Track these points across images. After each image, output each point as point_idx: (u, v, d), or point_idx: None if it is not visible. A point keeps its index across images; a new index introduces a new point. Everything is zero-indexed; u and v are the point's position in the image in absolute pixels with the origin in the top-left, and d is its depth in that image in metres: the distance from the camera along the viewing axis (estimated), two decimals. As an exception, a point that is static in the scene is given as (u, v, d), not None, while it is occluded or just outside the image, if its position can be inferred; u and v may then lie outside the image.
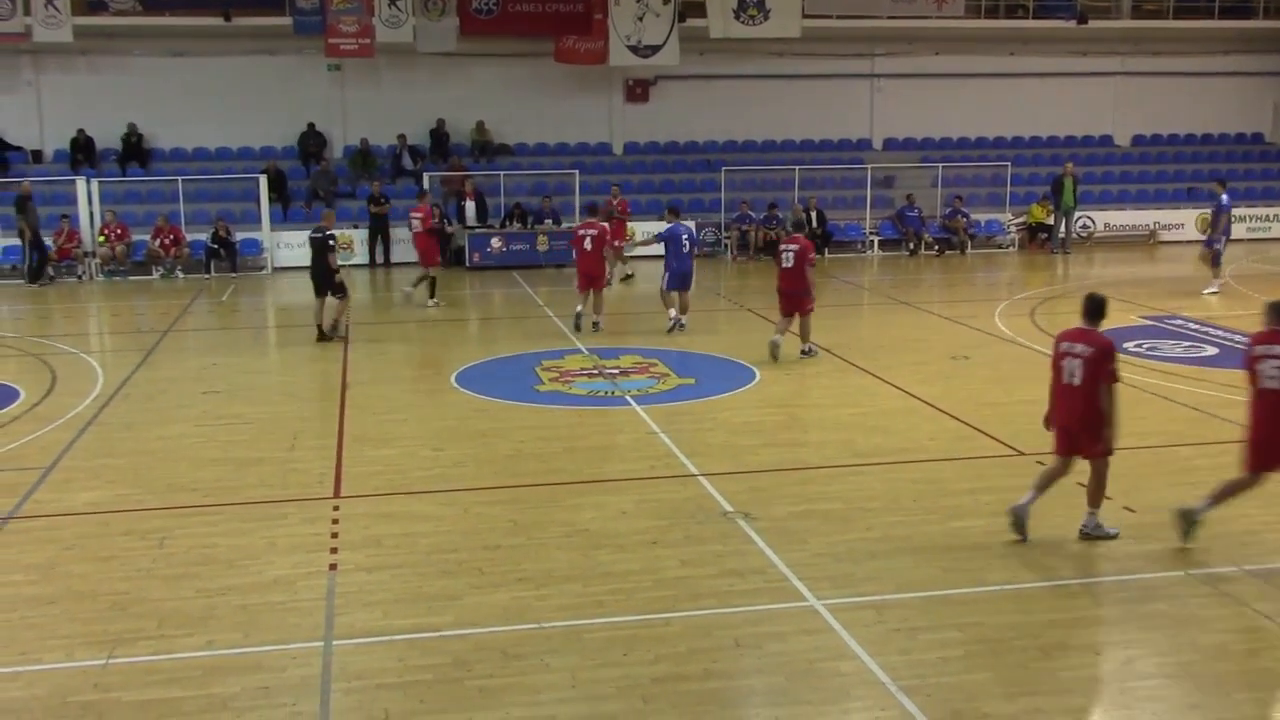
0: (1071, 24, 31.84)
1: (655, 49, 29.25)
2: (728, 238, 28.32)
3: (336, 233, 18.97)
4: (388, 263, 27.13)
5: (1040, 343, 17.54)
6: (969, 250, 28.91)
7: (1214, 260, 22.46)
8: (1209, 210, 23.76)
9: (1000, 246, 29.45)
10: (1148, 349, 16.97)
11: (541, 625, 7.99)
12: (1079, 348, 9.41)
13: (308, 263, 18.82)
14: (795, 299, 16.43)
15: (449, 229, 25.95)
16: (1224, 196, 22.78)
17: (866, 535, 9.63)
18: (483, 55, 29.60)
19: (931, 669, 7.37)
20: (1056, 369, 9.57)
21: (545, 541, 9.57)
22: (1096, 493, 9.58)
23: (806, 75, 31.41)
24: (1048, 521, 9.92)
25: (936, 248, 28.79)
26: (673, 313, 18.61)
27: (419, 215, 22.14)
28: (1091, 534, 9.57)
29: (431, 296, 21.59)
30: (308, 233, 19.33)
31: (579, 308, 18.63)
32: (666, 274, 18.65)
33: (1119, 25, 32.77)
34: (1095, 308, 9.66)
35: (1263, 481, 9.23)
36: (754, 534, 9.63)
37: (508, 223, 27.39)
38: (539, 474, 11.39)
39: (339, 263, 18.48)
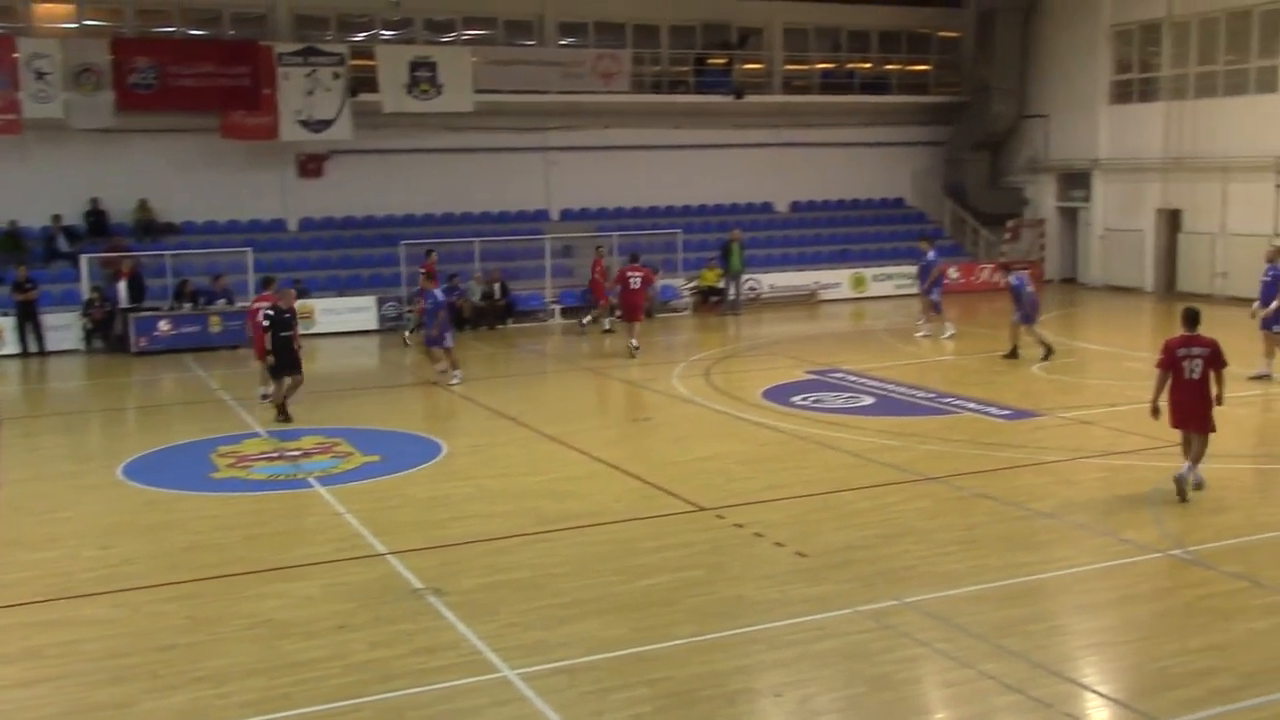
0: (730, 99, 33.78)
1: (327, 123, 28.89)
2: (410, 311, 28.07)
3: (270, 311, 18.12)
4: (42, 351, 25.27)
5: (716, 401, 18.35)
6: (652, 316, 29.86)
7: (935, 309, 24.75)
8: (919, 266, 25.81)
9: (675, 310, 30.60)
10: (813, 401, 18.03)
11: (223, 725, 7.63)
12: (1197, 350, 12.10)
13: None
14: (639, 309, 23.56)
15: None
16: (931, 253, 25.20)
17: (556, 601, 9.74)
18: (143, 131, 28.30)
19: (623, 727, 7.51)
20: (1178, 368, 12.10)
21: (226, 636, 9.15)
22: (1199, 455, 12.22)
23: (482, 149, 31.81)
24: (724, 573, 10.37)
25: (619, 313, 29.54)
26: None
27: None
28: (1199, 484, 12.27)
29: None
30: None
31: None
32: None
33: (772, 100, 35.01)
34: (1194, 316, 12.33)
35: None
36: (445, 609, 9.56)
37: (176, 304, 26.13)
38: (218, 565, 10.88)
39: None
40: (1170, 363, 12.23)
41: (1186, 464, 12.24)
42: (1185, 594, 9.74)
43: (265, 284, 19.87)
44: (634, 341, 23.17)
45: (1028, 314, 21.51)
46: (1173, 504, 12.22)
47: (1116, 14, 32.94)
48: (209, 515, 12.63)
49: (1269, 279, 18.93)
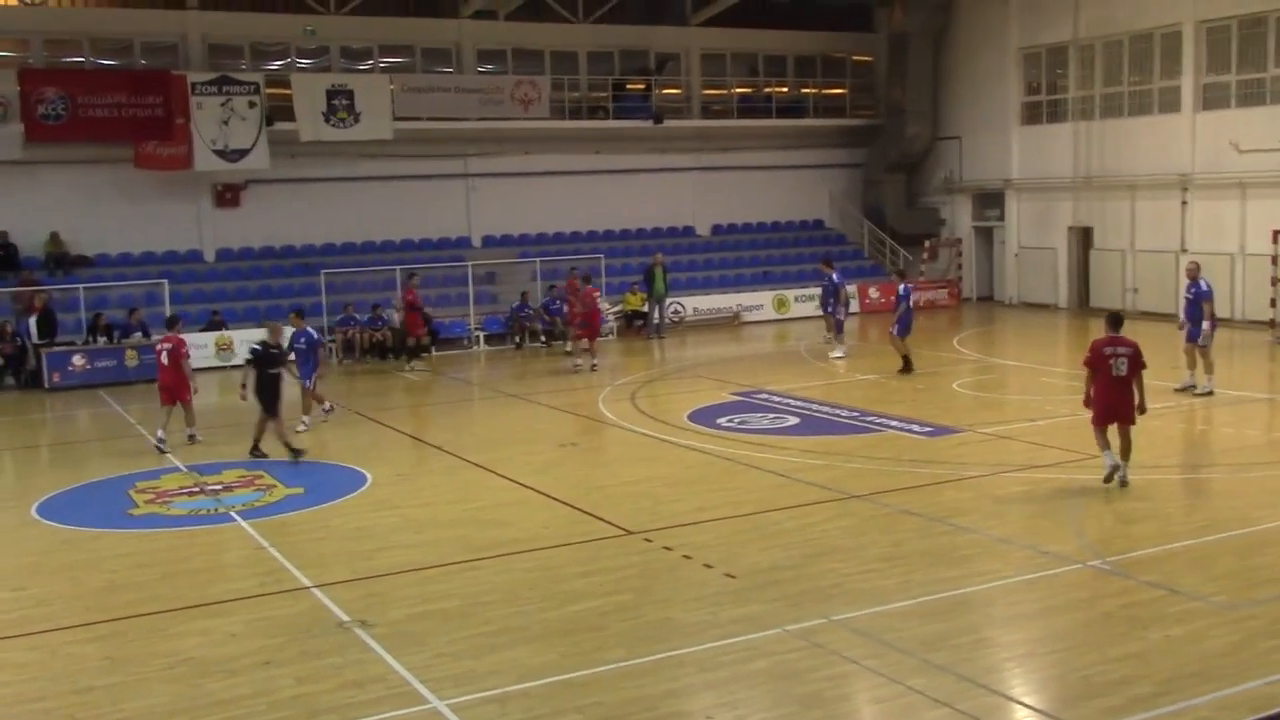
0: (649, 124, 34.00)
1: (243, 153, 28.57)
2: (333, 341, 27.82)
3: (257, 346, 17.24)
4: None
5: (643, 424, 18.38)
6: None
7: (837, 329, 25.25)
8: (823, 289, 26.37)
9: (601, 335, 30.57)
10: (739, 423, 18.13)
11: (145, 767, 7.46)
12: (1121, 349, 13.16)
13: None
14: (594, 329, 24.90)
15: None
16: (835, 275, 25.63)
17: (485, 629, 9.67)
18: (54, 162, 27.76)
19: (555, 755, 7.47)
20: (1106, 366, 13.13)
21: (147, 676, 8.95)
22: (1127, 450, 13.29)
23: (403, 176, 31.64)
24: (653, 596, 10.37)
25: (543, 339, 29.55)
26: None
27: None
28: (1123, 479, 13.24)
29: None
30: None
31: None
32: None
33: (691, 125, 35.30)
34: (1118, 319, 13.60)
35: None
36: (372, 641, 9.44)
37: (91, 338, 25.62)
38: (136, 604, 10.64)
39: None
40: (1097, 361, 13.25)
41: (1114, 458, 13.32)
42: (1105, 604, 9.92)
43: (170, 323, 19.29)
44: (596, 360, 24.67)
45: (903, 324, 22.34)
46: (1092, 516, 12.49)
47: (1024, 37, 33.71)
48: (127, 553, 12.36)
49: (1191, 296, 19.36)
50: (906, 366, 22.25)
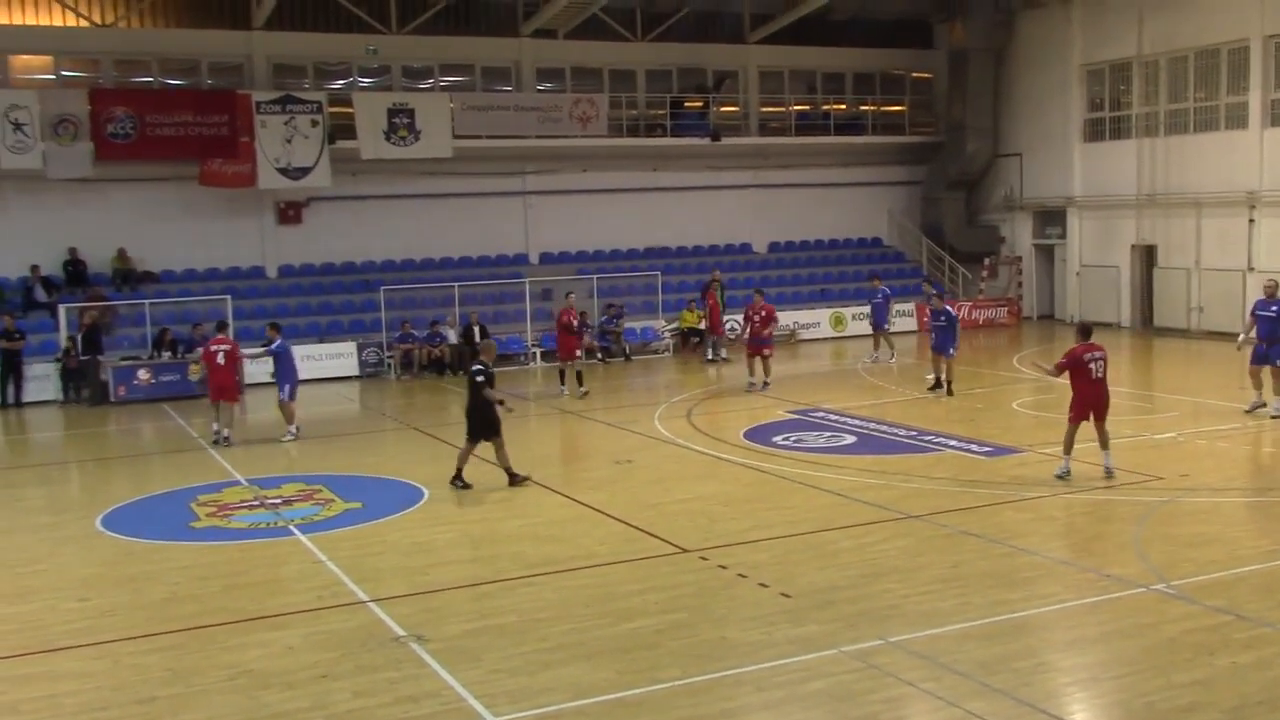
0: (706, 141, 34.03)
1: (306, 171, 28.97)
2: (391, 357, 28.09)
3: (479, 367, 15.76)
4: (19, 402, 25.08)
5: (698, 442, 18.34)
6: (630, 357, 29.89)
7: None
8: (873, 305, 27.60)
9: (656, 352, 30.65)
10: (795, 441, 18.04)
11: (204, 778, 7.53)
12: (1098, 354, 14.89)
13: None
14: (763, 346, 23.59)
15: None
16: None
17: (541, 646, 9.67)
18: (121, 180, 28.31)
19: (609, 773, 7.44)
20: (1087, 369, 14.75)
21: (206, 688, 9.05)
22: (1105, 440, 14.94)
23: (461, 194, 31.94)
24: (708, 615, 10.32)
25: (600, 356, 29.60)
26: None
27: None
28: (1111, 470, 14.86)
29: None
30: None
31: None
32: None
33: (749, 142, 35.29)
34: (1088, 328, 15.50)
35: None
36: (428, 656, 9.49)
37: (155, 353, 26.05)
38: (197, 616, 10.78)
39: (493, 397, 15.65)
40: (1074, 366, 14.79)
41: (1104, 455, 14.96)
42: (1169, 629, 9.73)
43: (220, 327, 20.86)
44: (768, 378, 23.73)
45: (953, 344, 22.32)
46: (1156, 539, 12.27)
47: (1087, 53, 33.35)
48: (189, 565, 12.52)
49: (1273, 314, 18.90)
50: (938, 384, 22.37)
